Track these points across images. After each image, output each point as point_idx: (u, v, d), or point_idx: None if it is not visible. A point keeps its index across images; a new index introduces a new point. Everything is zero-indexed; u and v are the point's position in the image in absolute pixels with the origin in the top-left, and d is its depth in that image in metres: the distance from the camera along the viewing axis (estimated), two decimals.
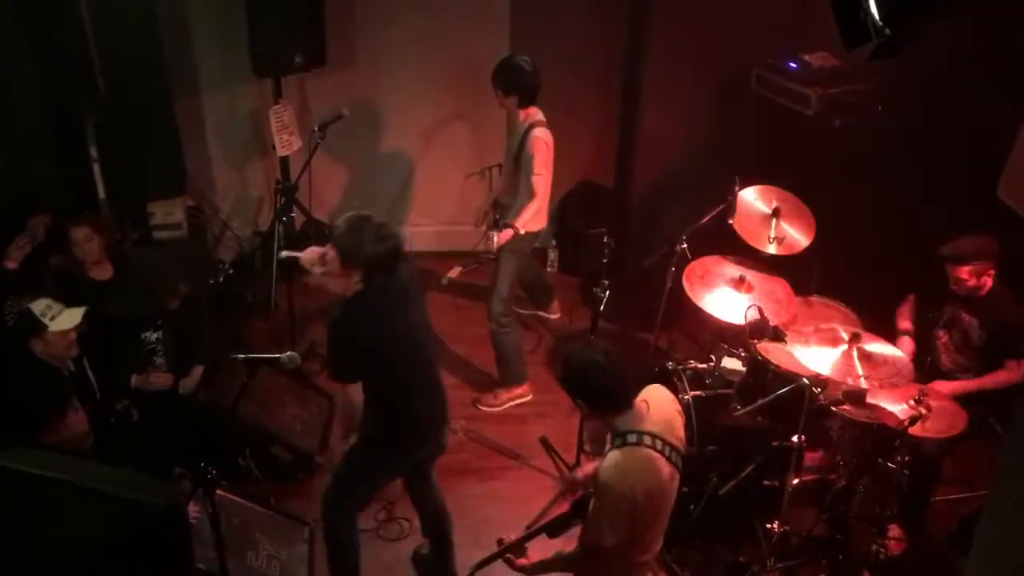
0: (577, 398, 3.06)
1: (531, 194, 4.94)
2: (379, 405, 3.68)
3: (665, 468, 2.99)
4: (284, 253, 4.32)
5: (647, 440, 2.96)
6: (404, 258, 3.63)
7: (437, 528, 4.23)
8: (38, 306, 3.98)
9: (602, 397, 3.00)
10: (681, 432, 3.12)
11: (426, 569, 4.35)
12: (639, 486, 2.91)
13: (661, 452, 2.98)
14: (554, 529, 3.23)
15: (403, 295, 3.68)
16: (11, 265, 4.50)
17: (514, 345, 5.34)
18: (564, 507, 3.28)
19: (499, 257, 5.15)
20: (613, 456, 2.96)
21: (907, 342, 4.57)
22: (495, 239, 4.93)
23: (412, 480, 4.14)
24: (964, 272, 4.23)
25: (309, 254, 3.80)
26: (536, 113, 4.97)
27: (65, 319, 3.98)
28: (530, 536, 3.24)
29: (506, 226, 4.99)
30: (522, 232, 4.98)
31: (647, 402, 3.05)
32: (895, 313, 4.75)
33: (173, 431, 4.38)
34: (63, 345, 4.01)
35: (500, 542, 3.26)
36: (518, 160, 4.99)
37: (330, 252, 3.63)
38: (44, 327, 3.93)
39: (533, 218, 5.00)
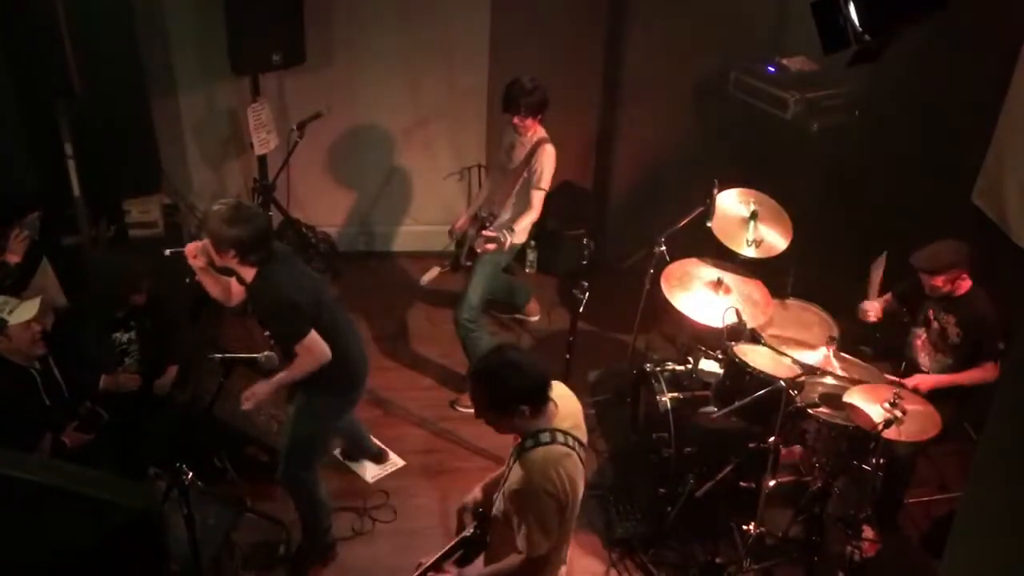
0: (492, 403, 2.90)
1: (530, 207, 4.92)
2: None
3: (579, 464, 2.96)
4: (168, 251, 4.16)
5: (560, 437, 2.92)
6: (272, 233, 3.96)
7: (360, 444, 4.91)
8: None
9: (521, 398, 2.86)
10: (583, 425, 3.07)
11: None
12: (561, 483, 2.87)
13: (573, 448, 2.94)
14: (465, 553, 3.16)
15: (292, 259, 3.94)
16: (13, 259, 4.40)
17: (485, 347, 5.27)
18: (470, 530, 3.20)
19: (475, 264, 5.12)
20: (529, 459, 2.89)
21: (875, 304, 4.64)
22: (507, 239, 4.81)
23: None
24: (937, 281, 4.28)
25: (191, 247, 3.85)
26: (541, 128, 4.96)
27: (23, 311, 3.96)
28: (447, 555, 3.16)
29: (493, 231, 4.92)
30: (510, 244, 4.95)
31: (555, 400, 2.98)
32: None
33: (148, 432, 4.33)
34: (27, 339, 3.98)
35: (419, 566, 3.19)
36: (521, 173, 4.96)
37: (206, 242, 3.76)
38: (4, 323, 3.90)
39: (523, 231, 5.00)
